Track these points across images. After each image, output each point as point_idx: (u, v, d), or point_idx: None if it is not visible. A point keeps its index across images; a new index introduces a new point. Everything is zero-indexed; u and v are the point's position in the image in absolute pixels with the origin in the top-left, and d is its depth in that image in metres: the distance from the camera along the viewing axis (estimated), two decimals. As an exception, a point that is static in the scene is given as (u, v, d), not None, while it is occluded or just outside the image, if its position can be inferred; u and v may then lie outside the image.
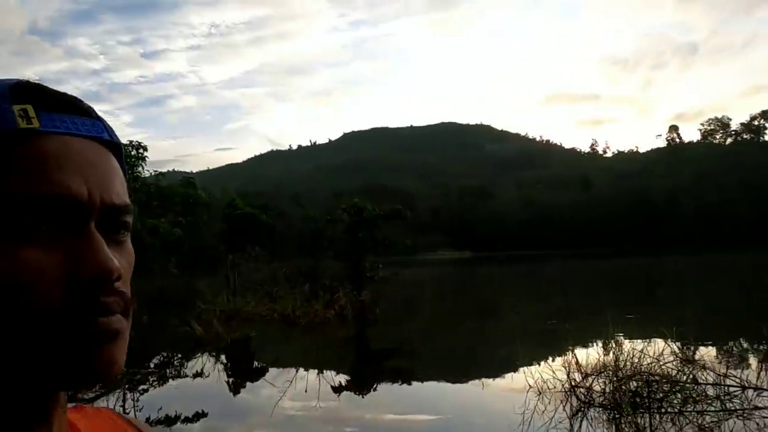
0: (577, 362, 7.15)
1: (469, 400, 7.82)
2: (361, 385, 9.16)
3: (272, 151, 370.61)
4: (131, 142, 22.92)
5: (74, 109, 0.43)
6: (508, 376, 8.73)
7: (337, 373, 9.70)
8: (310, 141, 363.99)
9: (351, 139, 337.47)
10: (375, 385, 8.99)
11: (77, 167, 0.40)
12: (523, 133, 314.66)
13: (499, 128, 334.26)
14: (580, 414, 6.38)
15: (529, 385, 7.17)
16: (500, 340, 12.69)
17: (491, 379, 8.81)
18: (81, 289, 0.39)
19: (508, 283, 34.55)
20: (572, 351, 7.45)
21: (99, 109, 0.48)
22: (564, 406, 6.58)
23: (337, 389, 8.58)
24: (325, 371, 9.57)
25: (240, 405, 8.15)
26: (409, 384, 9.08)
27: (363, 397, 8.42)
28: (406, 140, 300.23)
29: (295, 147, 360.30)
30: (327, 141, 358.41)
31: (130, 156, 26.68)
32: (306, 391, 8.15)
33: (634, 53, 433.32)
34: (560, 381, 7.04)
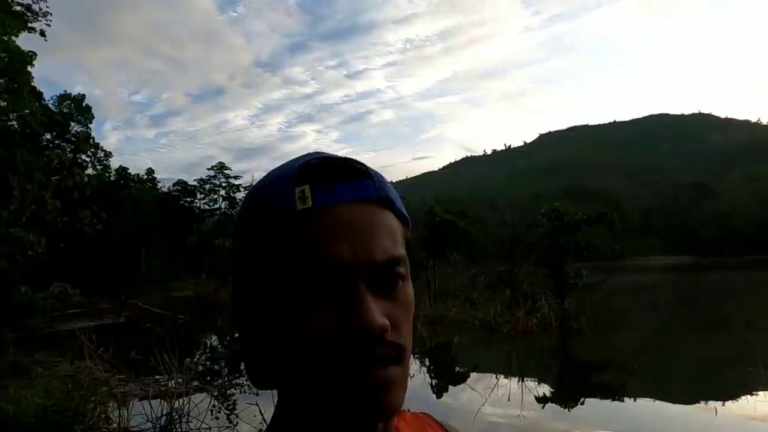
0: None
1: (696, 426, 6.94)
2: (566, 397, 8.72)
3: (466, 157, 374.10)
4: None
5: (344, 175, 0.49)
6: (746, 401, 7.55)
7: (540, 383, 9.37)
8: (505, 145, 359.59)
9: (548, 139, 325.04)
10: (582, 399, 8.50)
11: (343, 235, 0.47)
12: (754, 120, 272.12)
13: (723, 116, 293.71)
14: None
15: (775, 415, 6.13)
16: (733, 359, 11.03)
17: (722, 403, 7.68)
18: (351, 344, 0.45)
19: (741, 294, 29.90)
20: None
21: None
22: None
23: (541, 400, 8.30)
24: (527, 380, 9.32)
25: (443, 407, 8.33)
26: (621, 401, 8.40)
27: (569, 411, 8.02)
28: (610, 137, 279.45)
29: (489, 152, 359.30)
30: (522, 143, 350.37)
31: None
32: (509, 399, 8.02)
33: None
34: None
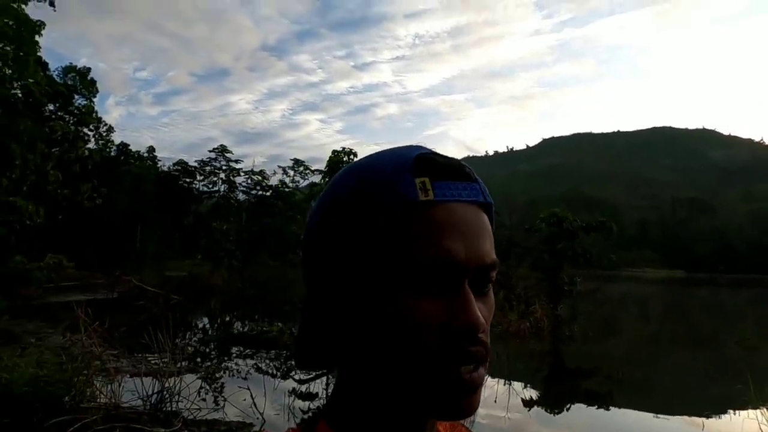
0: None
1: (680, 439, 6.99)
2: (553, 402, 8.76)
3: (468, 156, 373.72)
4: (343, 149, 25.02)
5: (458, 174, 0.51)
6: (731, 418, 7.61)
7: (527, 387, 9.41)
8: (507, 147, 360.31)
9: (550, 145, 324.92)
10: (568, 405, 8.53)
11: (459, 233, 0.48)
12: (757, 139, 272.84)
13: (726, 133, 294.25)
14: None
15: (763, 433, 6.16)
16: (721, 374, 11.11)
17: (706, 418, 7.74)
18: (452, 338, 0.47)
19: (733, 311, 30.05)
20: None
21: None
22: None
23: (528, 403, 8.33)
24: (514, 383, 9.36)
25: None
26: (607, 409, 8.44)
27: (554, 416, 8.06)
28: (612, 147, 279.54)
29: (491, 153, 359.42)
30: (524, 147, 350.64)
31: (342, 162, 29.17)
32: (495, 401, 8.06)
33: None
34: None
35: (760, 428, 6.22)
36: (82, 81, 39.45)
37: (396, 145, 0.56)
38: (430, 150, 0.52)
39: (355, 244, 0.49)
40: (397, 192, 0.48)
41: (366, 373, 0.51)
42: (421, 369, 0.47)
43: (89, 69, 40.41)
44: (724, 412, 8.05)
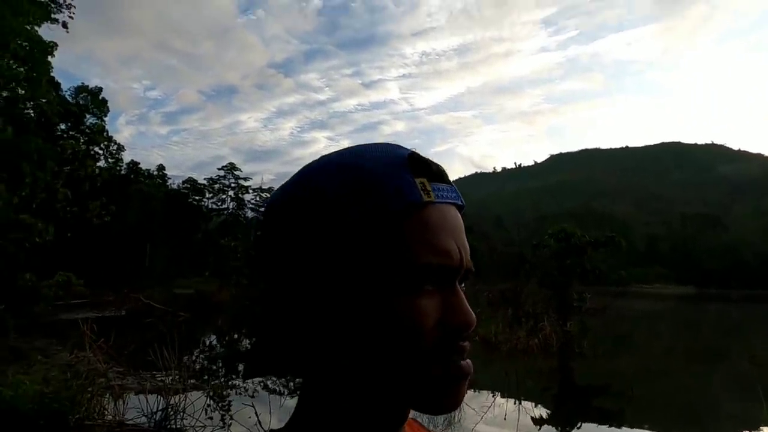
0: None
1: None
2: (563, 421, 8.63)
3: (476, 173, 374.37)
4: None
5: (443, 176, 0.51)
6: (745, 436, 7.46)
7: (537, 405, 9.28)
8: (515, 163, 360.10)
9: (559, 161, 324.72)
10: (579, 424, 8.41)
11: (451, 234, 0.49)
12: (767, 153, 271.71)
13: (736, 148, 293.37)
14: None
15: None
16: (734, 391, 10.90)
17: (722, 437, 7.60)
18: (449, 334, 0.47)
19: (746, 327, 29.61)
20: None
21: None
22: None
23: (538, 422, 8.22)
24: (524, 401, 9.24)
25: (439, 422, 8.26)
26: (618, 428, 8.29)
27: (565, 435, 7.93)
28: (620, 162, 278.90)
29: (499, 169, 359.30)
30: (533, 163, 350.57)
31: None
32: (505, 419, 7.95)
33: None
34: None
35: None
36: (94, 101, 39.96)
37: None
38: (410, 149, 0.51)
39: (345, 242, 0.46)
40: (399, 192, 0.47)
41: (344, 376, 0.49)
42: (419, 366, 0.46)
43: (101, 89, 40.95)
44: (736, 428, 7.89)
